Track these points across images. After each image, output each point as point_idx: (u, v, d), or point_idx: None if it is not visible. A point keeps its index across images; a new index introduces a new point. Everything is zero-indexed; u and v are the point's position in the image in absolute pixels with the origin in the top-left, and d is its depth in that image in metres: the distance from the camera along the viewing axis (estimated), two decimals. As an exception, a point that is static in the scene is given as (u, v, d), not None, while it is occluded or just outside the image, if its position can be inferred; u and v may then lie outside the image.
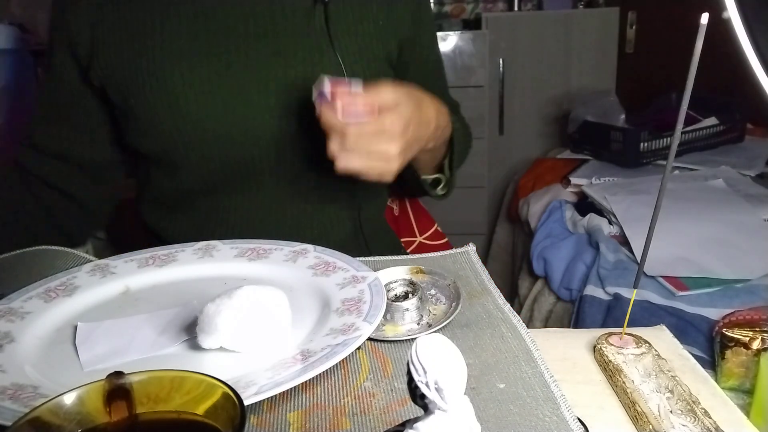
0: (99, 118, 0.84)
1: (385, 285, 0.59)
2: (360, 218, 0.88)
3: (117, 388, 0.32)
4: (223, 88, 0.76)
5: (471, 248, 0.69)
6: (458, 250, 0.70)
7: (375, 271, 0.61)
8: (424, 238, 1.09)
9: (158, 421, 0.33)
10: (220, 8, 0.78)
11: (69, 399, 0.32)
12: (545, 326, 1.44)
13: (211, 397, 0.32)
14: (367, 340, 0.52)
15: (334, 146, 0.64)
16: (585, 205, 1.59)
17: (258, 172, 0.81)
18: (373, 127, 0.64)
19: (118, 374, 0.32)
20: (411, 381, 0.28)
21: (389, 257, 0.70)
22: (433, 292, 0.61)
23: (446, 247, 1.07)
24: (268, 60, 0.78)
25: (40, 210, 0.85)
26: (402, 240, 1.06)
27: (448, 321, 0.55)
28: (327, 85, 0.64)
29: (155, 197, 0.87)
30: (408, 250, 1.06)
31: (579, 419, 0.43)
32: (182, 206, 0.85)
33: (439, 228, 1.12)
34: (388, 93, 0.65)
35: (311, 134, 0.78)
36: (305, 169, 0.82)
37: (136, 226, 0.95)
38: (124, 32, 0.77)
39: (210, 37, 0.77)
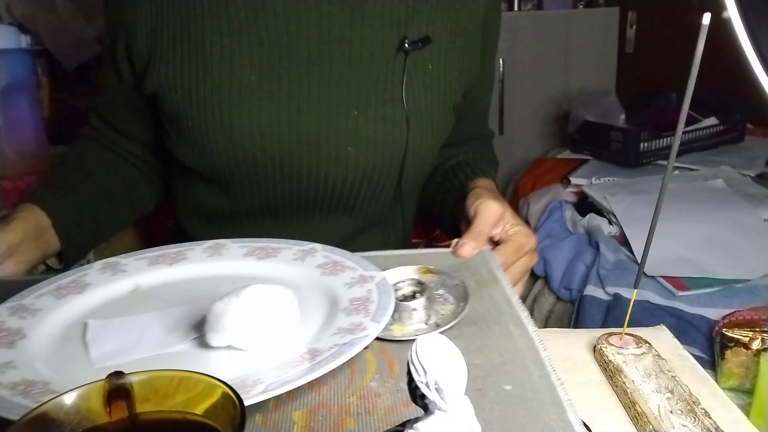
0: (148, 118, 0.83)
1: (393, 285, 0.59)
2: (397, 239, 0.88)
3: (117, 388, 0.32)
4: (291, 132, 0.73)
5: (486, 247, 0.70)
6: None
7: (383, 267, 0.61)
8: (430, 239, 1.09)
9: (158, 421, 0.33)
10: (294, 42, 0.72)
11: (69, 399, 0.32)
12: (545, 326, 1.44)
13: (211, 396, 0.32)
14: (375, 339, 0.52)
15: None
16: (585, 205, 1.59)
17: (310, 209, 0.80)
18: (511, 249, 0.69)
19: (118, 374, 0.32)
20: (411, 381, 0.28)
21: (398, 252, 0.70)
22: (441, 291, 0.61)
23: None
24: (339, 108, 0.74)
25: (116, 173, 0.86)
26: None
27: (456, 321, 0.55)
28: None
29: (195, 206, 0.85)
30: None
31: (585, 424, 0.43)
32: (224, 222, 0.83)
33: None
34: (496, 210, 0.70)
35: (371, 180, 0.78)
36: (357, 212, 0.81)
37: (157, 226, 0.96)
38: (186, 48, 0.73)
39: (282, 75, 0.72)
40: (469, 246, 0.66)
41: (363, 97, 0.75)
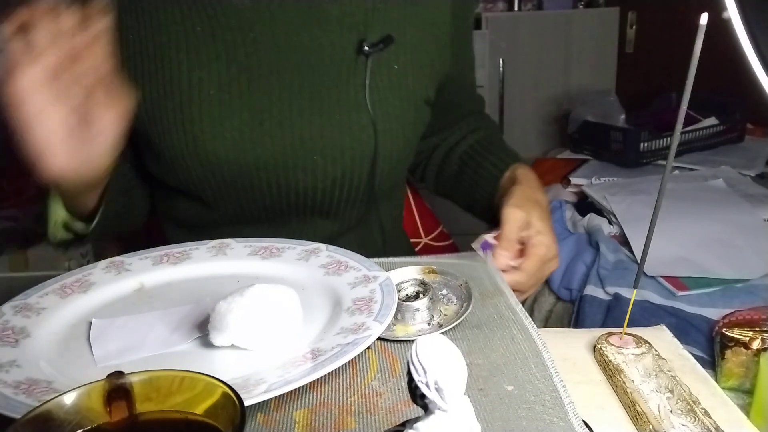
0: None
1: (397, 285, 0.59)
2: (382, 239, 0.87)
3: (117, 388, 0.32)
4: (255, 144, 0.73)
5: (487, 253, 0.70)
6: (473, 253, 0.70)
7: (387, 271, 0.61)
8: (429, 239, 1.09)
9: (158, 421, 0.33)
10: (252, 53, 0.72)
11: (69, 398, 0.32)
12: (545, 326, 1.44)
13: (211, 396, 0.32)
14: (377, 339, 0.52)
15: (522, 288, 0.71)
16: (585, 205, 1.59)
17: (285, 216, 0.80)
18: (533, 263, 0.72)
19: (119, 374, 0.32)
20: (411, 381, 0.28)
21: (402, 258, 0.70)
22: (444, 292, 0.61)
23: (451, 248, 1.07)
24: (303, 119, 0.73)
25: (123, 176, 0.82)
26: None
27: (458, 321, 0.55)
28: (489, 237, 0.72)
29: (176, 218, 0.84)
30: (416, 250, 1.06)
31: (586, 423, 0.43)
32: (205, 232, 0.81)
33: (444, 229, 1.11)
34: (518, 219, 0.72)
35: (342, 187, 0.77)
36: (333, 216, 0.81)
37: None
38: (148, 65, 0.72)
39: (242, 88, 0.72)
40: (503, 257, 0.69)
41: (326, 104, 0.73)
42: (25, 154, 0.57)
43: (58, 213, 0.71)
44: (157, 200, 0.87)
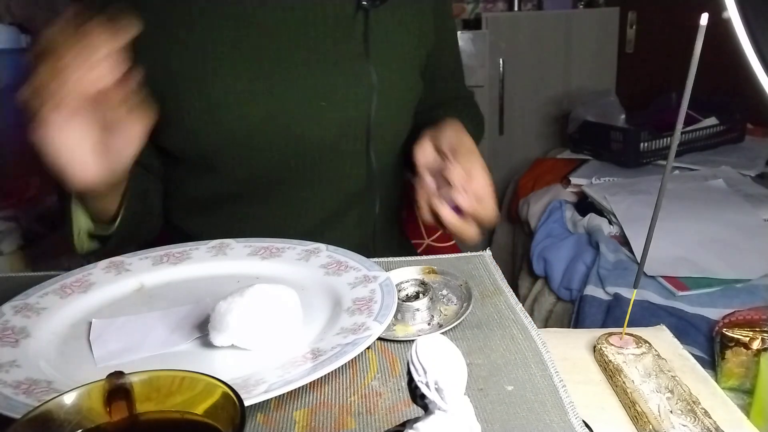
0: None
1: (397, 285, 0.59)
2: (375, 226, 0.87)
3: (117, 388, 0.32)
4: (264, 97, 0.76)
5: (487, 253, 0.70)
6: (473, 253, 0.70)
7: (387, 271, 0.61)
8: (432, 240, 1.09)
9: (158, 420, 0.33)
10: (260, 11, 0.76)
11: (69, 398, 0.32)
12: (545, 326, 1.44)
13: (211, 396, 0.32)
14: (377, 339, 0.52)
15: (472, 231, 0.68)
16: (585, 205, 1.59)
17: (288, 180, 0.81)
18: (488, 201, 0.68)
19: (118, 374, 0.32)
20: (411, 381, 0.28)
21: (402, 258, 0.70)
22: (444, 292, 0.61)
23: (454, 249, 1.07)
24: (308, 69, 0.77)
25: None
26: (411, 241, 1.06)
27: (458, 321, 0.55)
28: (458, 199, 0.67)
29: (179, 197, 0.85)
30: (417, 252, 1.06)
31: (586, 423, 0.43)
32: (205, 209, 0.83)
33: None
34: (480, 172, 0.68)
35: (346, 143, 0.80)
36: (333, 178, 0.82)
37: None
38: (161, 27, 0.74)
39: (251, 43, 0.75)
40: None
41: (330, 55, 0.78)
42: (48, 166, 0.59)
43: (80, 223, 0.72)
44: (170, 185, 0.87)
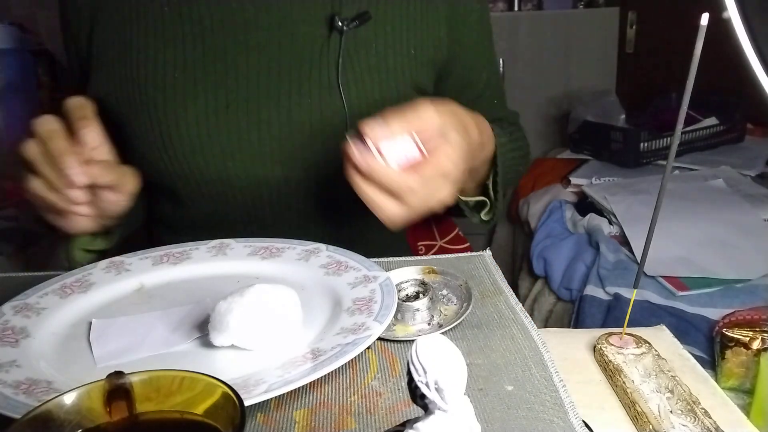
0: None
1: (397, 285, 0.59)
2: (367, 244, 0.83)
3: (117, 388, 0.32)
4: (220, 130, 0.69)
5: (487, 253, 0.70)
6: (474, 253, 0.70)
7: (387, 271, 0.61)
8: (444, 242, 1.07)
9: (158, 421, 0.33)
10: (218, 33, 0.69)
11: (69, 398, 0.32)
12: (545, 326, 1.44)
13: (211, 396, 0.32)
14: (377, 339, 0.52)
15: (392, 208, 0.55)
16: (585, 205, 1.59)
17: (261, 215, 0.75)
18: (431, 172, 0.55)
19: (118, 374, 0.32)
20: (411, 381, 0.28)
21: (402, 258, 0.70)
22: (444, 292, 0.61)
23: (467, 251, 1.05)
24: (270, 100, 0.69)
25: None
26: (421, 243, 1.02)
27: (458, 321, 0.55)
28: (368, 132, 0.54)
29: (159, 218, 0.83)
30: (429, 253, 1.03)
31: (586, 423, 0.43)
32: (186, 231, 0.78)
33: (461, 232, 1.06)
34: (432, 118, 0.55)
35: (318, 179, 0.73)
36: (312, 214, 0.76)
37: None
38: (116, 51, 0.71)
39: (208, 69, 0.69)
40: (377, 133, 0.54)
41: (295, 85, 0.69)
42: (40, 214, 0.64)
43: (74, 240, 0.70)
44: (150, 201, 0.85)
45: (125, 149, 0.74)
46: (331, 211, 0.77)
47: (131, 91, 0.70)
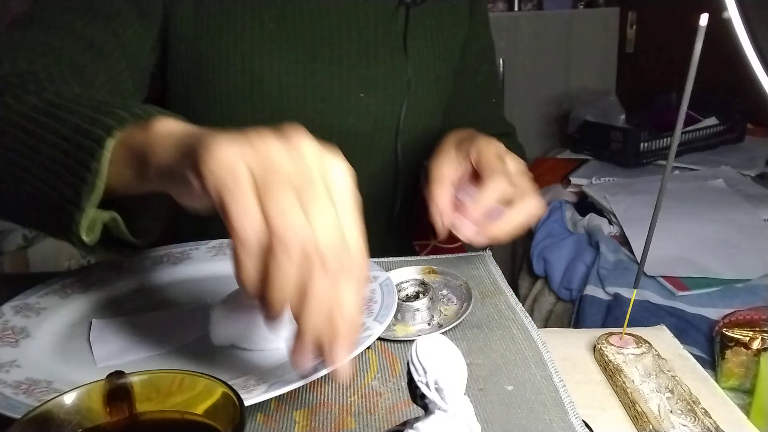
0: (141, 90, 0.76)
1: (397, 285, 0.59)
2: (391, 224, 0.87)
3: (117, 388, 0.32)
4: (307, 79, 0.76)
5: (487, 253, 0.70)
6: (473, 253, 0.70)
7: (387, 271, 0.61)
8: (438, 241, 1.08)
9: (158, 421, 0.33)
10: None
11: (69, 398, 0.32)
12: (545, 326, 1.44)
13: (211, 397, 0.32)
14: (377, 339, 0.52)
15: (530, 204, 0.62)
16: (585, 205, 1.59)
17: None
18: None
19: (118, 374, 0.32)
20: (411, 381, 0.28)
21: (402, 258, 0.70)
22: (444, 292, 0.61)
23: (461, 250, 1.06)
24: (350, 58, 0.78)
25: None
26: (416, 243, 1.05)
27: (458, 321, 0.55)
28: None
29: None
30: (423, 253, 1.05)
31: (586, 423, 0.43)
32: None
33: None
34: (504, 189, 0.61)
35: (376, 138, 0.81)
36: (359, 173, 0.80)
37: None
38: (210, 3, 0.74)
39: (297, 25, 0.76)
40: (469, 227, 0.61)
41: (370, 46, 0.79)
42: None
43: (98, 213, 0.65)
44: None
45: (182, 102, 0.77)
46: (383, 166, 0.83)
47: (226, 36, 0.74)
